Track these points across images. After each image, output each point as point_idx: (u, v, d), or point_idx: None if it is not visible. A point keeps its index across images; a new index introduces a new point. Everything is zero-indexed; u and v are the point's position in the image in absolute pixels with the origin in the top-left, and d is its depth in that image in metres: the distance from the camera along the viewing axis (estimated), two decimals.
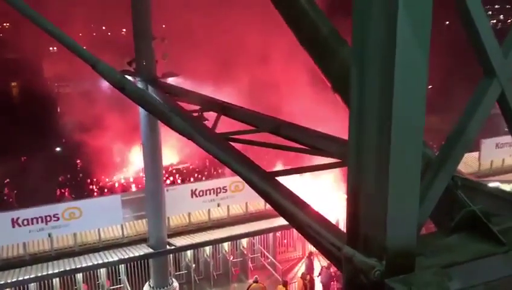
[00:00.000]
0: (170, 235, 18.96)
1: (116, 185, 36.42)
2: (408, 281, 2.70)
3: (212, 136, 6.87)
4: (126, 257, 17.75)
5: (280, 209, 3.70)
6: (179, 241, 18.91)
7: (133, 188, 34.44)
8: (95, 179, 37.57)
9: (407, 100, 2.59)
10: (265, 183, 3.80)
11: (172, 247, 18.52)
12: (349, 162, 2.99)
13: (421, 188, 2.88)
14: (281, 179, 4.78)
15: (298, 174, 9.87)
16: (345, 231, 3.17)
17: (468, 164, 24.87)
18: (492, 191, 4.01)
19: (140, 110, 16.29)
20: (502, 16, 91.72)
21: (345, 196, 3.11)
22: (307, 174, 15.82)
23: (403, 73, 2.53)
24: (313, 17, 4.59)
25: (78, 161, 41.60)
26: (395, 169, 2.67)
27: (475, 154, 25.07)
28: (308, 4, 4.64)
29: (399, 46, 2.47)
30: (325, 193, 20.30)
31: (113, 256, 17.77)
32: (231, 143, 6.47)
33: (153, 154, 17.56)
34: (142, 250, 18.12)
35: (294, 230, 6.43)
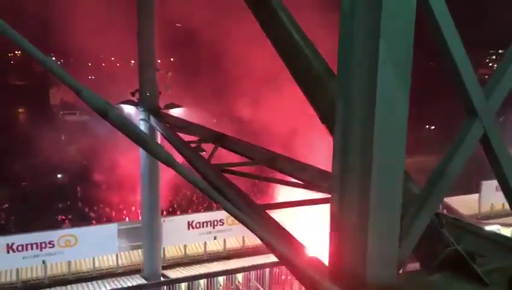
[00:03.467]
0: (165, 267, 18.72)
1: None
2: None
3: (206, 166, 6.92)
4: (119, 287, 17.47)
5: (266, 242, 3.70)
6: (174, 274, 18.64)
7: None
8: (95, 208, 37.35)
9: (388, 138, 2.63)
10: (251, 217, 3.82)
11: (167, 279, 18.26)
12: (332, 197, 3.01)
13: (403, 224, 2.89)
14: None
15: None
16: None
17: (469, 205, 24.67)
18: (479, 231, 3.99)
19: None
20: None
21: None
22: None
23: (384, 111, 2.58)
24: (307, 55, 4.71)
25: (79, 189, 41.55)
26: (376, 206, 2.69)
27: (475, 196, 24.90)
28: (304, 41, 4.76)
29: (380, 86, 2.53)
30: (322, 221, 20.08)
31: (106, 286, 17.49)
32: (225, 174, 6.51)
33: (150, 184, 17.55)
34: (135, 281, 17.86)
35: None
